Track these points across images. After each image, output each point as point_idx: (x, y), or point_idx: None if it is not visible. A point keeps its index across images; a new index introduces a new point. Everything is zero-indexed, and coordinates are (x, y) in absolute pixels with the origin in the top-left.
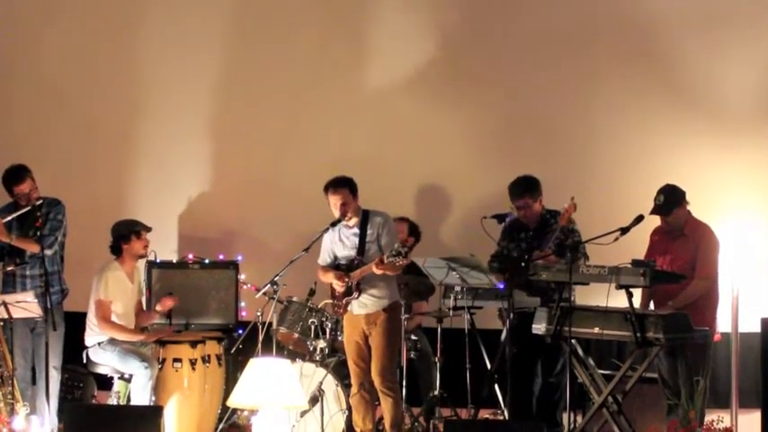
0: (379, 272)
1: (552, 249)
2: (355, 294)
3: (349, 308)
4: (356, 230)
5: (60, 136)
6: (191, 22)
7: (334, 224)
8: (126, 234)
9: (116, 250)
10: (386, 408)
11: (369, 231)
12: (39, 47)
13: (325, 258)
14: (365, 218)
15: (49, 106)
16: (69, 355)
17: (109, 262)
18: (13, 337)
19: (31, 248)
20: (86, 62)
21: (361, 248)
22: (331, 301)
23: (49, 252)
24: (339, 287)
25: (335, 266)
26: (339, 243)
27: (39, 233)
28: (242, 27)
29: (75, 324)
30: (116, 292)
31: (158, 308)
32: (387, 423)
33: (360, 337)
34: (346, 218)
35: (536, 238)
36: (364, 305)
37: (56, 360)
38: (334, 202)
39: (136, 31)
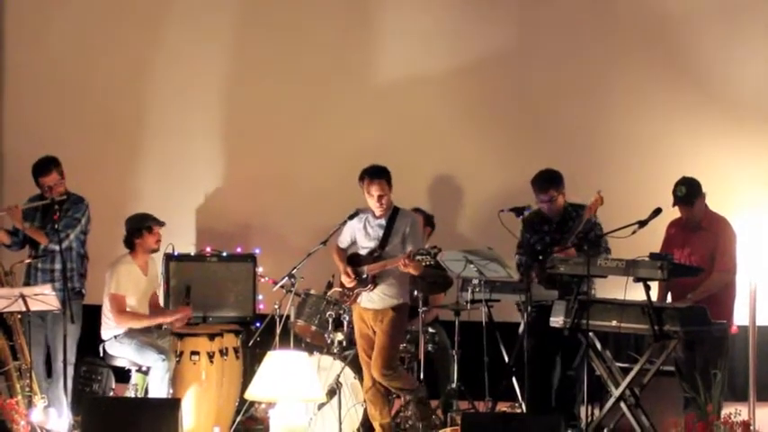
0: (404, 269)
1: (574, 243)
2: (370, 287)
3: (358, 299)
4: (383, 222)
5: (77, 132)
6: (207, 17)
7: (351, 217)
8: (137, 229)
9: (129, 244)
10: (396, 387)
11: (395, 226)
12: (56, 45)
13: (345, 239)
14: (394, 213)
15: (66, 102)
16: (87, 348)
17: (122, 256)
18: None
19: (40, 240)
20: (103, 58)
21: (384, 242)
22: (340, 289)
23: (56, 248)
24: (347, 282)
25: (353, 255)
26: (363, 231)
27: (56, 227)
28: (257, 22)
29: (94, 317)
30: (128, 285)
31: (177, 324)
32: (403, 397)
33: (369, 331)
34: (380, 209)
35: (558, 231)
36: (372, 300)
37: (68, 354)
38: (371, 192)
39: (152, 25)
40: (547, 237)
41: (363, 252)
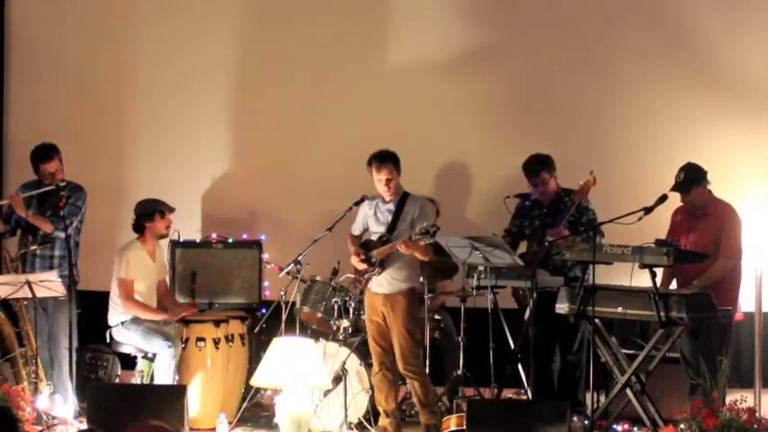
0: (405, 251)
1: (566, 227)
2: (377, 270)
3: (368, 284)
4: (392, 207)
5: (83, 118)
6: (214, 3)
7: (357, 203)
8: (149, 213)
9: (138, 229)
10: (414, 389)
11: (404, 211)
12: (64, 31)
13: (358, 227)
14: (404, 198)
15: (74, 89)
16: (93, 334)
17: (131, 241)
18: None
19: (45, 227)
20: (108, 44)
21: (392, 226)
22: (353, 275)
23: (61, 235)
24: (356, 263)
25: (366, 241)
26: (373, 217)
27: (61, 213)
28: (266, 7)
29: (100, 303)
30: (137, 271)
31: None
32: (417, 403)
33: (379, 317)
34: (389, 193)
35: (550, 215)
36: (380, 284)
37: (73, 340)
38: (379, 176)
39: (157, 11)
40: (537, 221)
41: (374, 237)
